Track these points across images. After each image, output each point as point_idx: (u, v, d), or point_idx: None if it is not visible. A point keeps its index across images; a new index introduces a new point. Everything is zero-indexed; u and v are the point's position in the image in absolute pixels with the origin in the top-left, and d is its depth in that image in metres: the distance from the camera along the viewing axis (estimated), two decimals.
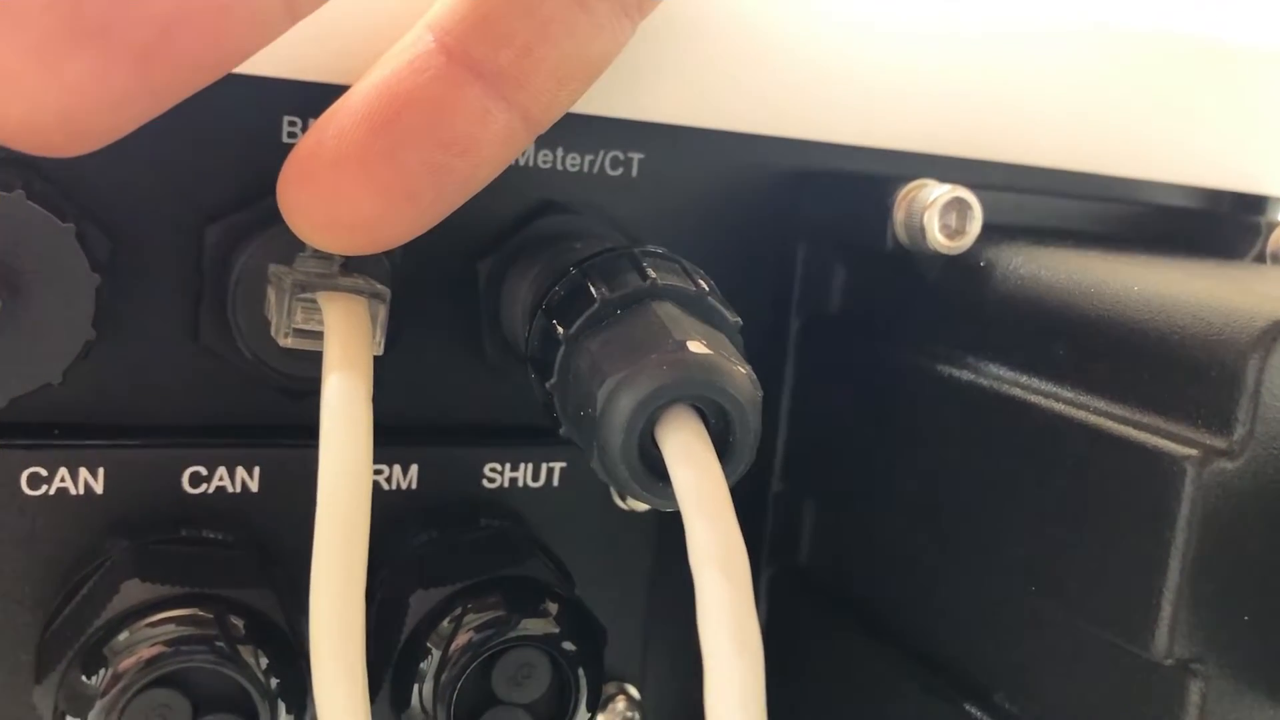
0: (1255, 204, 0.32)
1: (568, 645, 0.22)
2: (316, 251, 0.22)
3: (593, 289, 0.20)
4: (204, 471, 0.23)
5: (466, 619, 0.22)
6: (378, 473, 0.25)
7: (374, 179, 0.19)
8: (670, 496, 0.18)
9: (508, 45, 0.19)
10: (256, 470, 0.24)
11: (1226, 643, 0.19)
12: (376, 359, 0.21)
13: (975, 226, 0.24)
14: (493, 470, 0.26)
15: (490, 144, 0.20)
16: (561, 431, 0.21)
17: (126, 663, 0.20)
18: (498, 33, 0.19)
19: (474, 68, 0.19)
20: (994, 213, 0.25)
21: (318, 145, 0.19)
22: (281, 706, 0.21)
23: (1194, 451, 0.19)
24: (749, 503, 0.29)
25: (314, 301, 0.21)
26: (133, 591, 0.21)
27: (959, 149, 0.28)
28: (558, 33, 0.19)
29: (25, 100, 0.16)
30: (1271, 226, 0.30)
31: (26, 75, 0.15)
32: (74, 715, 0.20)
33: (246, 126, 0.23)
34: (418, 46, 0.19)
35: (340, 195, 0.19)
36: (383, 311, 0.22)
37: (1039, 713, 0.22)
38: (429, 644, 0.22)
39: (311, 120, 0.23)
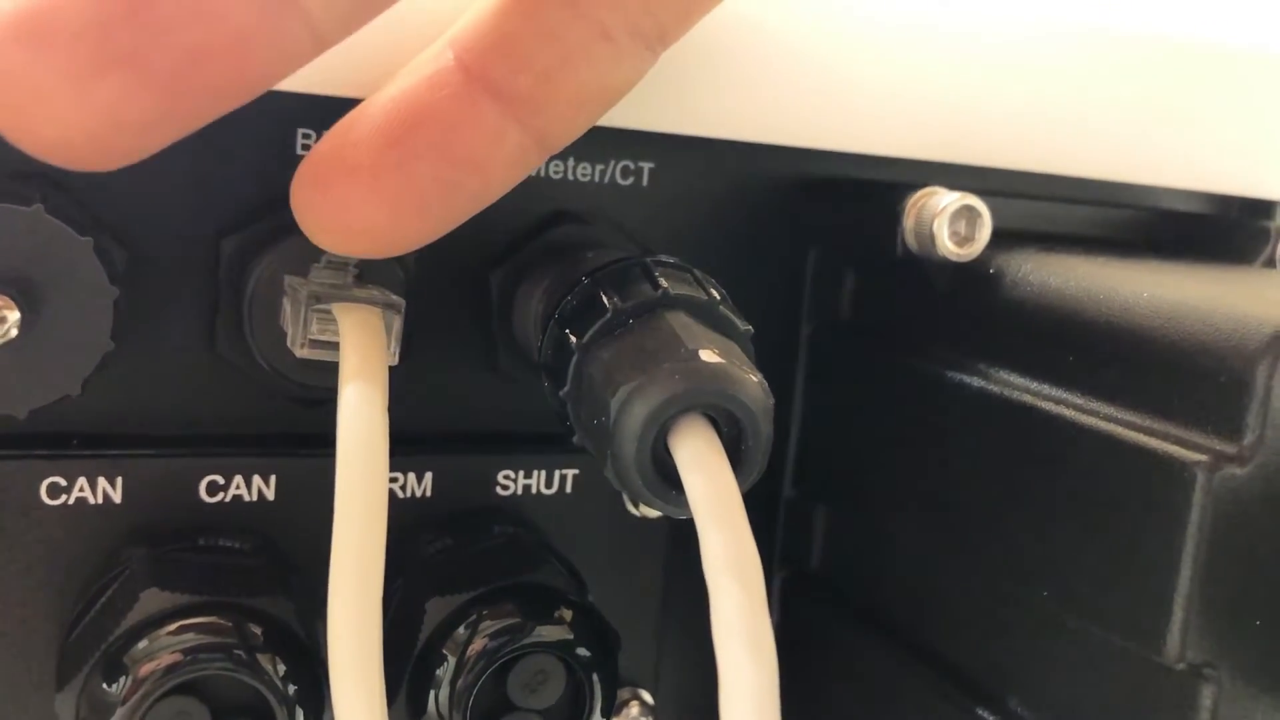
0: (1264, 209, 0.32)
1: (582, 651, 0.23)
2: (331, 262, 0.22)
3: (605, 299, 0.21)
4: (221, 481, 0.24)
5: (482, 626, 0.22)
6: (392, 481, 0.25)
7: (384, 189, 0.20)
8: (683, 504, 0.18)
9: (528, 69, 0.19)
10: (273, 479, 0.24)
11: (1238, 647, 0.19)
12: (391, 369, 0.21)
13: (985, 234, 0.24)
14: (506, 478, 0.26)
15: (502, 164, 0.20)
16: (575, 440, 0.21)
17: (146, 670, 0.20)
18: (518, 56, 0.20)
19: (492, 88, 0.19)
20: (1003, 219, 0.25)
21: (332, 152, 0.20)
22: (299, 713, 0.21)
23: (1204, 457, 0.19)
24: (760, 509, 0.29)
25: (329, 312, 0.22)
26: (152, 600, 0.21)
27: (968, 156, 0.28)
28: (578, 60, 0.20)
29: (57, 120, 0.16)
30: None
31: (58, 97, 0.16)
32: None
33: (261, 139, 0.23)
34: (438, 62, 0.20)
35: (351, 203, 0.20)
36: (397, 322, 0.22)
37: (1051, 717, 0.22)
38: (445, 651, 0.22)
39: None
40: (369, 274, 0.22)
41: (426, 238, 0.20)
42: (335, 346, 0.21)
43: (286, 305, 0.22)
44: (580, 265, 0.23)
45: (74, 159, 0.17)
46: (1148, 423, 0.20)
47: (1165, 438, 0.20)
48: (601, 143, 0.26)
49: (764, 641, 0.17)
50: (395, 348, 0.22)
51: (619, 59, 0.20)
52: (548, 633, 0.22)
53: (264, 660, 0.21)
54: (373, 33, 0.22)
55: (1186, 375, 0.20)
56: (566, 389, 0.21)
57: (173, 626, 0.21)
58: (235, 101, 0.17)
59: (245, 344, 0.23)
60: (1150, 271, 0.24)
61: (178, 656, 0.20)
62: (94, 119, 0.16)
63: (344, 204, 0.20)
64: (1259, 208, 0.32)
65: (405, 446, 0.24)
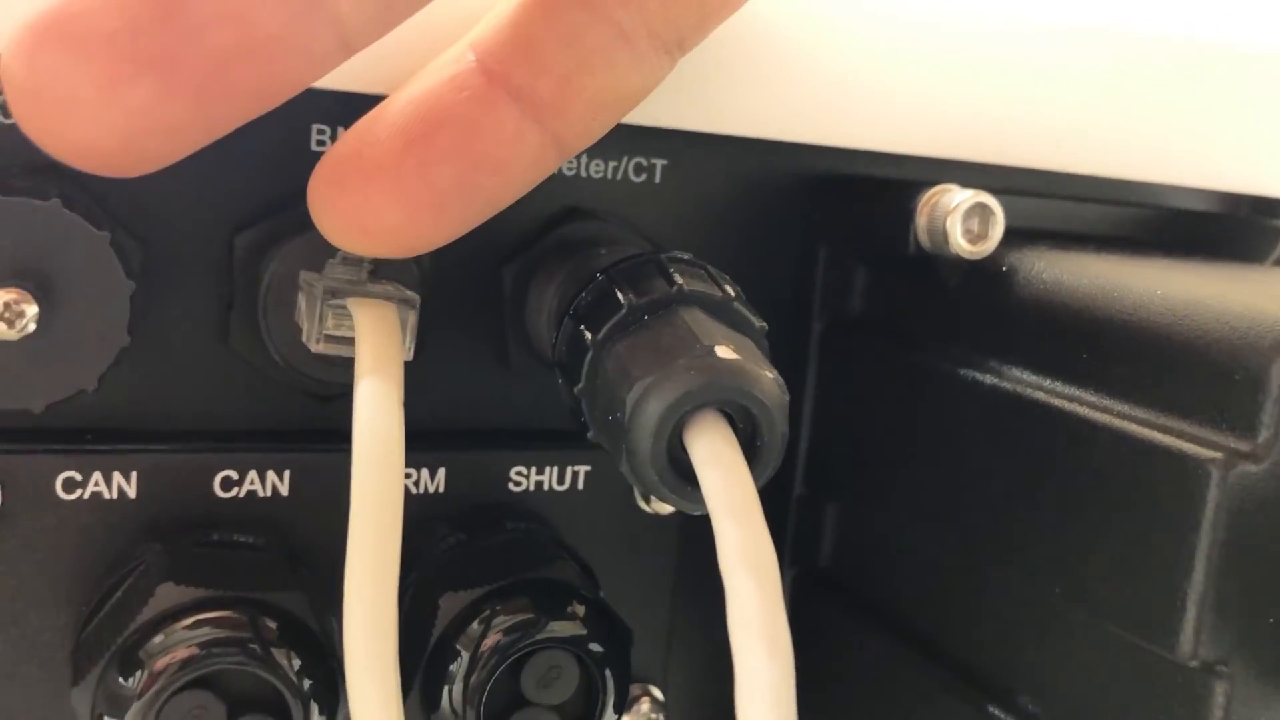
0: (1274, 207, 0.32)
1: (595, 647, 0.23)
2: (346, 258, 0.22)
3: (620, 295, 0.21)
4: (235, 476, 0.24)
5: (495, 621, 0.22)
6: (406, 476, 0.25)
7: (404, 190, 0.20)
8: (698, 500, 0.18)
9: (548, 73, 0.20)
10: (287, 474, 0.24)
11: (1251, 645, 0.19)
12: (405, 365, 0.21)
13: (997, 231, 0.24)
14: (519, 474, 0.26)
15: (521, 166, 0.20)
16: (589, 435, 0.21)
17: (162, 664, 0.20)
18: (539, 59, 0.20)
19: (512, 91, 0.20)
20: (1016, 217, 0.25)
21: (352, 152, 0.20)
22: (314, 708, 0.21)
23: (1218, 454, 0.19)
24: (771, 506, 0.29)
25: (344, 307, 0.22)
26: (168, 594, 0.21)
27: (981, 154, 0.28)
28: (598, 64, 0.20)
29: (89, 125, 0.16)
30: None
31: (90, 101, 0.16)
32: (111, 716, 0.20)
33: (276, 135, 0.23)
34: (459, 64, 0.20)
35: (369, 203, 0.20)
36: (412, 317, 0.22)
37: (1063, 715, 0.22)
38: (458, 646, 0.22)
39: (341, 129, 0.24)
40: (384, 270, 0.22)
41: (444, 239, 0.20)
42: (351, 342, 0.21)
43: (302, 301, 0.22)
44: (594, 261, 0.23)
45: (104, 164, 0.17)
46: (1162, 420, 0.20)
47: (1179, 435, 0.20)
48: (615, 139, 0.26)
49: (780, 637, 0.17)
50: (410, 343, 0.22)
51: (637, 63, 0.20)
52: (561, 628, 0.22)
53: (279, 655, 0.21)
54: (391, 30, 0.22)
55: (1201, 373, 0.20)
56: (581, 385, 0.21)
57: (188, 621, 0.21)
58: (265, 105, 0.17)
59: (260, 339, 0.23)
60: (1163, 269, 0.24)
61: (193, 651, 0.20)
62: (125, 124, 0.16)
63: (363, 204, 0.20)
64: (1269, 206, 0.32)
65: (418, 442, 0.24)
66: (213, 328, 0.24)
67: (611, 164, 0.26)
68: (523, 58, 0.20)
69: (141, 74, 0.16)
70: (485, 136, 0.20)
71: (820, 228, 0.28)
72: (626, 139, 0.26)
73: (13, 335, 0.20)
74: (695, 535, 0.26)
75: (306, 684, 0.21)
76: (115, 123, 0.16)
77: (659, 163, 0.27)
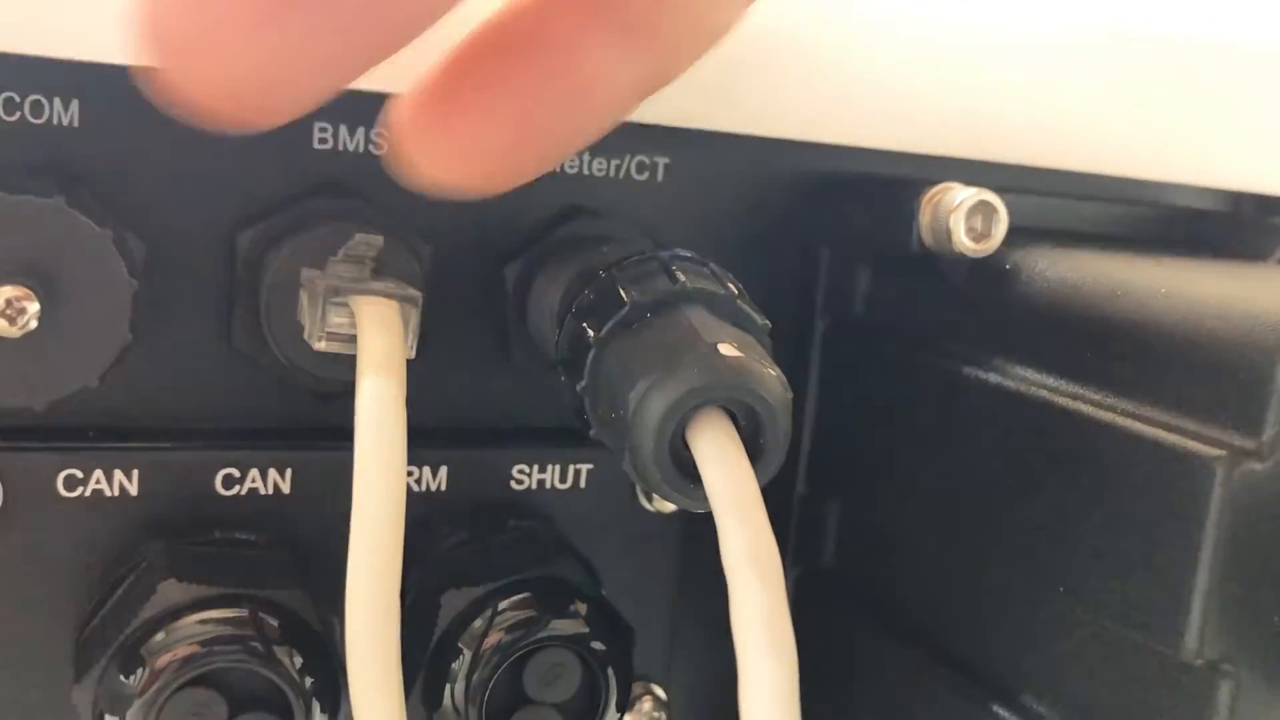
0: (1277, 206, 0.32)
1: (597, 645, 0.23)
2: (349, 256, 0.22)
3: (623, 292, 0.21)
4: (237, 474, 0.24)
5: (498, 619, 0.22)
6: (408, 475, 0.25)
7: (499, 118, 0.18)
8: (701, 498, 0.18)
9: None
10: (288, 472, 0.24)
11: (1256, 644, 0.19)
12: (407, 363, 0.21)
13: (1001, 230, 0.24)
14: (521, 472, 0.26)
15: (613, 92, 0.19)
16: (592, 434, 0.21)
17: (164, 662, 0.20)
18: None
19: (603, 15, 0.19)
20: (1019, 216, 0.25)
21: (443, 81, 0.18)
22: (316, 706, 0.21)
23: (1222, 453, 0.19)
24: (773, 505, 0.29)
25: (346, 305, 0.22)
26: (169, 592, 0.21)
27: (984, 152, 0.28)
28: None
29: (223, 66, 0.14)
30: None
31: (226, 41, 0.14)
32: (112, 714, 0.20)
33: (278, 133, 0.23)
34: None
35: (466, 128, 0.18)
36: (415, 315, 0.22)
37: (1067, 714, 0.22)
38: (460, 644, 0.22)
39: (343, 127, 0.24)
40: (387, 267, 0.22)
41: (540, 168, 0.19)
42: (353, 340, 0.21)
43: (304, 298, 0.22)
44: (597, 259, 0.23)
45: (234, 112, 0.15)
46: (1166, 418, 0.20)
47: (1183, 433, 0.20)
48: (617, 137, 0.25)
49: (784, 636, 0.17)
50: (413, 341, 0.22)
51: None
52: (563, 626, 0.22)
53: (281, 653, 0.21)
54: None
55: (1205, 371, 0.20)
56: (584, 383, 0.21)
57: (190, 619, 0.21)
58: (407, 38, 0.16)
59: (262, 337, 0.23)
60: (1167, 268, 0.24)
61: (195, 648, 0.20)
62: (262, 66, 0.15)
63: (460, 130, 0.18)
64: (1272, 205, 0.32)
65: (420, 440, 0.24)
66: (215, 326, 0.24)
67: (614, 162, 0.26)
68: None
69: (285, 9, 0.14)
70: (579, 61, 0.19)
71: (823, 226, 0.28)
72: (629, 137, 0.26)
73: (14, 332, 0.20)
74: (698, 534, 0.26)
75: (308, 682, 0.21)
76: (251, 65, 0.14)
77: (662, 161, 0.27)
